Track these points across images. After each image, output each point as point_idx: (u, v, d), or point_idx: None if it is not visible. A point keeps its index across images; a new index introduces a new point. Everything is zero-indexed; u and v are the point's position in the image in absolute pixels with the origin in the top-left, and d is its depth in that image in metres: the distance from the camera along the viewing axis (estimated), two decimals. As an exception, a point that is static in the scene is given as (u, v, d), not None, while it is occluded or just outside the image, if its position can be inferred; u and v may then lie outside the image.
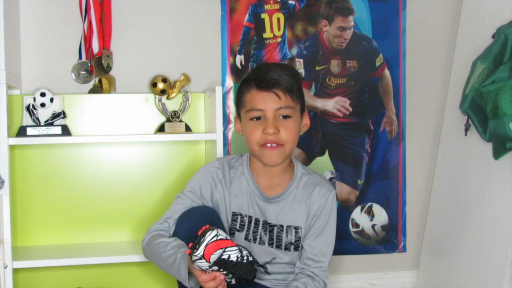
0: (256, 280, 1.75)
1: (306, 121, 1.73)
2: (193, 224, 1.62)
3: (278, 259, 1.71)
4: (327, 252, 1.71)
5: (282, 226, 1.70)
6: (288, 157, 1.70)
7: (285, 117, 1.64)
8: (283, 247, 1.71)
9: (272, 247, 1.71)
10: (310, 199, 1.70)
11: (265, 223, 1.71)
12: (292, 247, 1.71)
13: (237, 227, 1.72)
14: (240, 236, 1.72)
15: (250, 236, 1.72)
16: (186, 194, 1.73)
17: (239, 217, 1.72)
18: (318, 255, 1.69)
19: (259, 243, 1.71)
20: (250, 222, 1.71)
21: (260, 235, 1.71)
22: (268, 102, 1.62)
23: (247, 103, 1.66)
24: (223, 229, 1.70)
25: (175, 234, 1.67)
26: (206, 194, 1.72)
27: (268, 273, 1.73)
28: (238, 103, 1.71)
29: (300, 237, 1.70)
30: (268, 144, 1.63)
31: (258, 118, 1.64)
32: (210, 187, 1.72)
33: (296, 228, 1.70)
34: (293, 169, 1.75)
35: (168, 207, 2.18)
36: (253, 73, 1.69)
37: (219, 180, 1.72)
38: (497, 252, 1.98)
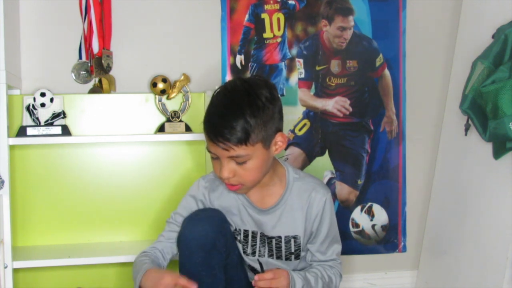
0: None
1: (281, 143, 1.58)
2: (203, 229, 1.60)
3: None
4: (338, 250, 1.71)
5: (280, 237, 1.67)
6: (256, 184, 1.61)
7: (240, 163, 1.53)
8: (283, 257, 1.68)
9: (273, 258, 1.69)
10: (307, 205, 1.65)
11: (263, 235, 1.68)
12: (293, 256, 1.68)
13: (238, 239, 1.71)
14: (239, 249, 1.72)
15: (249, 250, 1.70)
16: (175, 219, 1.70)
17: (235, 231, 1.70)
18: (330, 256, 1.69)
19: (259, 256, 1.70)
20: (246, 236, 1.69)
21: (259, 248, 1.69)
22: (218, 151, 1.53)
23: (205, 139, 1.58)
24: (231, 234, 1.69)
25: (183, 237, 1.61)
26: None
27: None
28: None
29: (299, 245, 1.67)
30: (227, 184, 1.58)
31: (217, 158, 1.56)
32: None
33: (295, 237, 1.67)
34: (284, 175, 1.68)
35: (168, 207, 2.19)
36: (206, 119, 1.56)
37: (204, 199, 1.71)
38: (497, 252, 1.98)
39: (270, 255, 1.69)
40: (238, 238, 1.70)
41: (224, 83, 1.63)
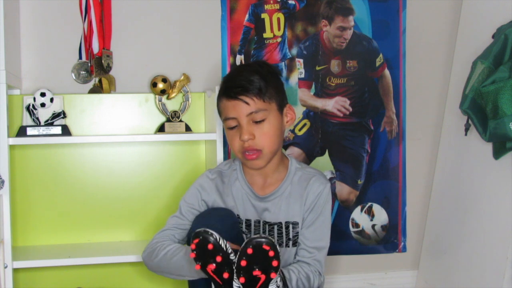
0: None
1: (290, 115, 1.72)
2: (214, 227, 1.60)
3: None
4: (322, 245, 1.71)
5: (280, 223, 1.71)
6: (273, 157, 1.69)
7: (258, 121, 1.63)
8: (284, 244, 1.71)
9: None
10: (305, 192, 1.71)
11: (265, 223, 1.72)
12: (291, 242, 1.72)
13: (241, 229, 1.74)
14: None
15: None
16: (183, 214, 1.74)
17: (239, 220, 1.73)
18: (311, 246, 1.70)
19: None
20: (249, 225, 1.72)
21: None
22: (238, 109, 1.63)
23: (222, 112, 1.69)
24: (241, 232, 1.72)
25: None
26: (203, 207, 1.75)
27: None
28: (219, 112, 1.73)
29: (297, 232, 1.71)
30: (247, 152, 1.64)
31: (235, 127, 1.65)
32: (204, 200, 1.75)
33: (294, 224, 1.71)
34: (287, 165, 1.75)
35: (168, 207, 2.19)
36: (223, 82, 1.71)
37: (211, 191, 1.74)
38: (497, 252, 1.98)
39: None
40: (241, 228, 1.73)
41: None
